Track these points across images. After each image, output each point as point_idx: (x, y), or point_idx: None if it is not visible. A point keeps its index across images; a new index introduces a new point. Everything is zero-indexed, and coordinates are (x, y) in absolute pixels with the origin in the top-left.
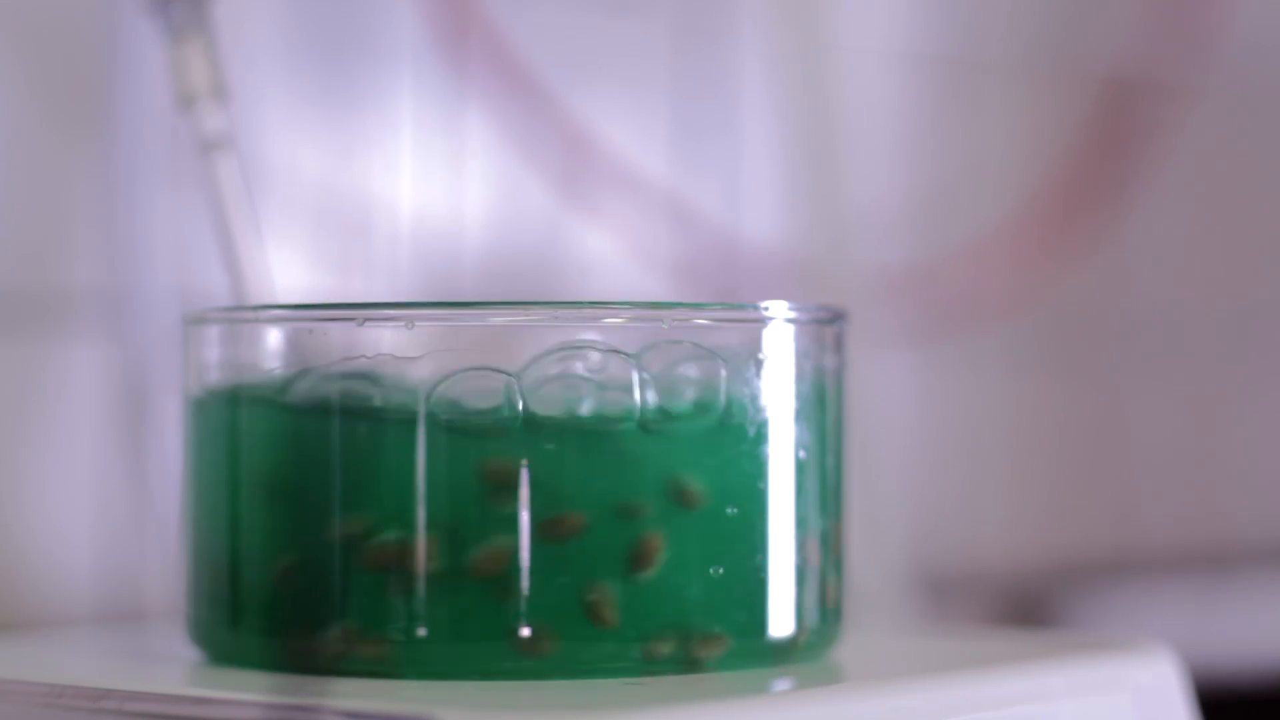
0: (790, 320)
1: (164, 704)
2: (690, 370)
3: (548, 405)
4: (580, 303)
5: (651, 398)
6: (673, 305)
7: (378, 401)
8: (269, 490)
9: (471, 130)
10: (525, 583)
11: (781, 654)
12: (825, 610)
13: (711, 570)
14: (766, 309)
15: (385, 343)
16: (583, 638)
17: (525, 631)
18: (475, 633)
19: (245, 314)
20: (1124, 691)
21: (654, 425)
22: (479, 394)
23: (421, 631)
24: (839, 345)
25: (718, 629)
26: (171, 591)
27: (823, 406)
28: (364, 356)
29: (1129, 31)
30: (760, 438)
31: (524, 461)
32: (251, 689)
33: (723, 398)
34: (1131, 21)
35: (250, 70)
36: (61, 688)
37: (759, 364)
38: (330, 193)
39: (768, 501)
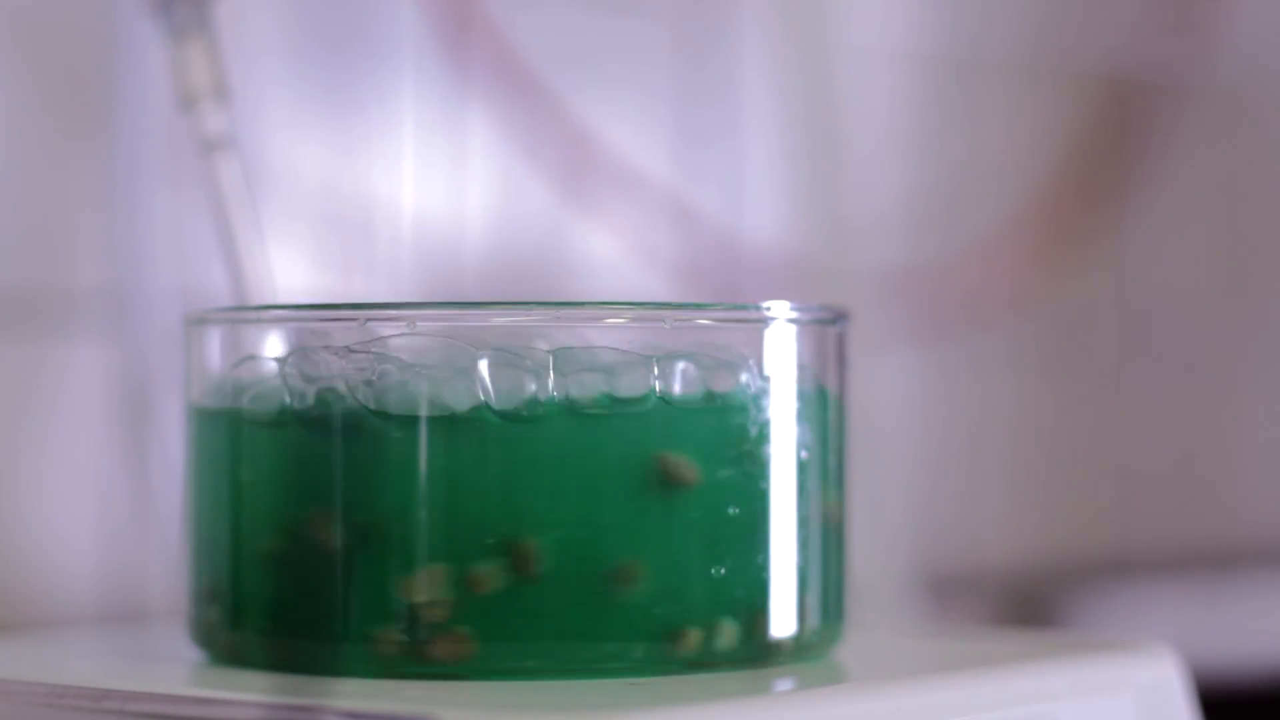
0: (792, 321)
1: (165, 704)
2: (693, 370)
3: (548, 408)
4: (582, 303)
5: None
6: (675, 305)
7: (379, 402)
8: (270, 490)
9: (473, 130)
10: (524, 583)
11: (783, 654)
12: (827, 610)
13: (713, 570)
14: (768, 309)
15: (387, 343)
16: (586, 637)
17: (525, 631)
18: (475, 633)
19: (247, 314)
20: (1126, 692)
21: (657, 424)
22: (481, 393)
23: (422, 631)
24: (841, 345)
25: (719, 629)
26: (173, 592)
27: (824, 407)
28: (366, 357)
29: (1129, 31)
30: (762, 438)
31: (524, 463)
32: (252, 689)
33: (724, 398)
34: (1132, 21)
35: (252, 70)
36: (63, 688)
37: (760, 365)
38: (332, 193)
39: (769, 501)
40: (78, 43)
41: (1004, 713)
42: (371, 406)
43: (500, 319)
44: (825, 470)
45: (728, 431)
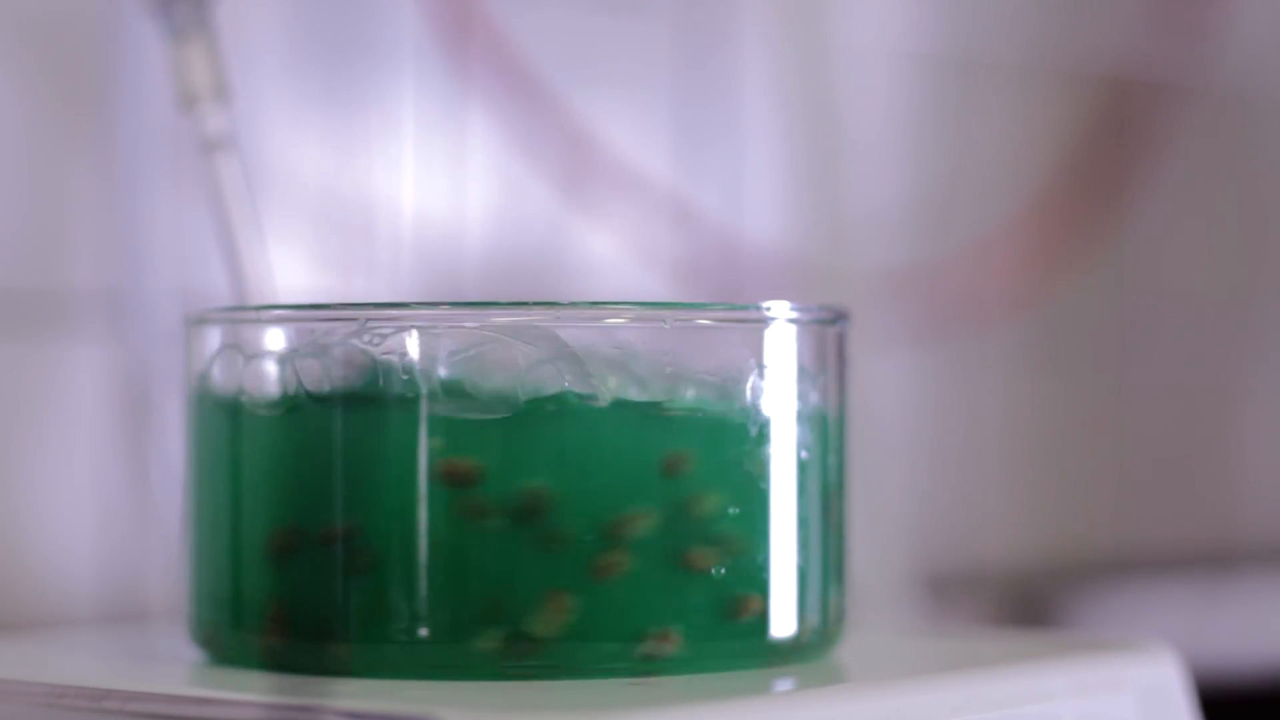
0: (792, 321)
1: (166, 704)
2: (693, 371)
3: (553, 407)
4: (582, 303)
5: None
6: (675, 305)
7: (379, 402)
8: (271, 490)
9: (473, 130)
10: (525, 583)
11: (783, 654)
12: (827, 610)
13: (714, 570)
14: (768, 309)
15: (387, 343)
16: (583, 638)
17: (525, 631)
18: (476, 633)
19: (247, 314)
20: (1126, 692)
21: (657, 424)
22: (480, 393)
23: (423, 631)
24: (841, 345)
25: (720, 629)
26: (173, 592)
27: (824, 407)
28: (370, 355)
29: (1129, 31)
30: (762, 438)
31: (526, 462)
32: (253, 689)
33: (724, 398)
34: (1131, 21)
35: (252, 70)
36: (63, 688)
37: (761, 365)
38: (332, 193)
39: (769, 501)
40: (78, 43)
41: (1004, 713)
42: (374, 404)
43: (500, 319)
44: (825, 470)
45: (728, 431)
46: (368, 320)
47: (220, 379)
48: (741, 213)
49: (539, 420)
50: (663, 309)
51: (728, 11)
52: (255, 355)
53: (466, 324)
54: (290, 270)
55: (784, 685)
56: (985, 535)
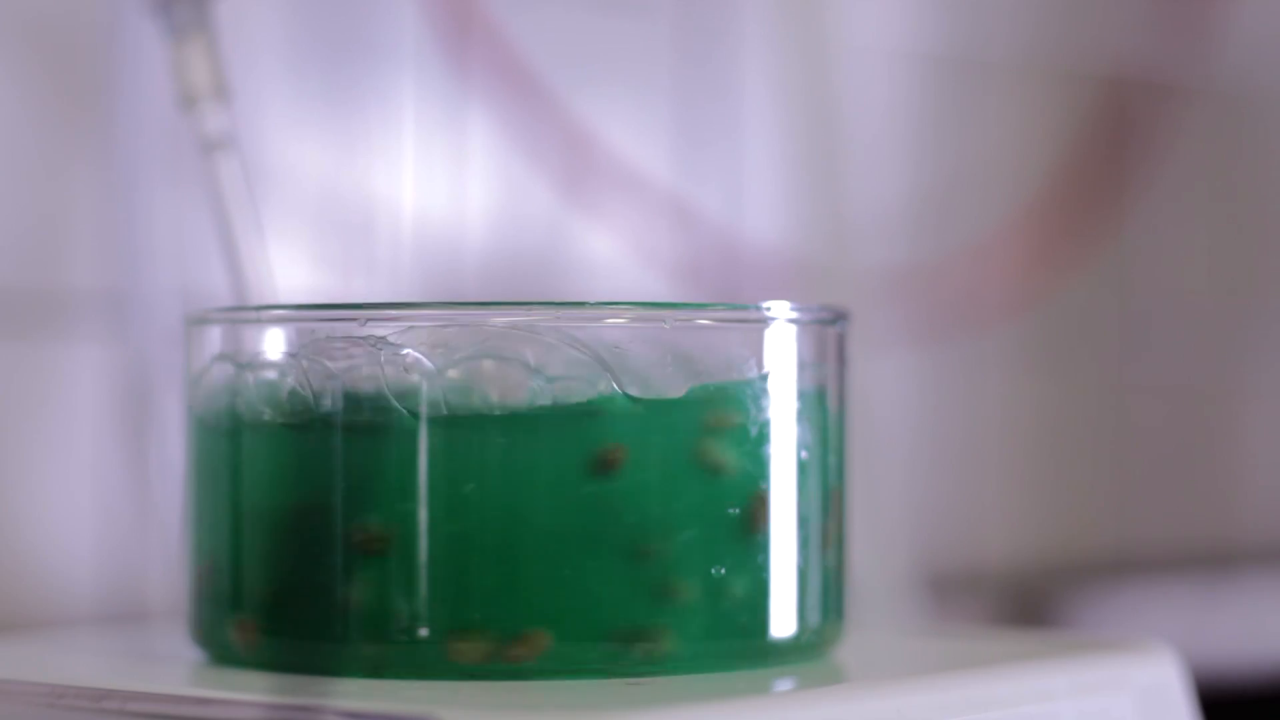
0: (792, 321)
1: (166, 704)
2: (692, 371)
3: (550, 410)
4: (582, 303)
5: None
6: (675, 305)
7: (380, 402)
8: (271, 490)
9: (473, 130)
10: (526, 583)
11: (783, 654)
12: (827, 610)
13: (713, 570)
14: (768, 309)
15: (394, 340)
16: (581, 637)
17: (525, 631)
18: (475, 633)
19: (247, 314)
20: (1125, 691)
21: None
22: (480, 394)
23: (422, 632)
24: (840, 346)
25: (719, 629)
26: (173, 592)
27: (824, 407)
28: (366, 357)
29: (1129, 31)
30: (762, 438)
31: (521, 463)
32: (253, 689)
33: (724, 398)
34: (1131, 21)
35: (252, 70)
36: (63, 688)
37: (761, 365)
38: (332, 193)
39: (769, 501)
40: (77, 42)
41: (1004, 713)
42: (375, 405)
43: (500, 319)
44: (825, 470)
45: (727, 432)
46: (368, 320)
47: (221, 379)
48: (741, 213)
49: (538, 425)
50: (663, 309)
51: (728, 11)
52: (255, 355)
53: (466, 324)
54: (290, 270)
55: (784, 685)
56: (985, 535)
